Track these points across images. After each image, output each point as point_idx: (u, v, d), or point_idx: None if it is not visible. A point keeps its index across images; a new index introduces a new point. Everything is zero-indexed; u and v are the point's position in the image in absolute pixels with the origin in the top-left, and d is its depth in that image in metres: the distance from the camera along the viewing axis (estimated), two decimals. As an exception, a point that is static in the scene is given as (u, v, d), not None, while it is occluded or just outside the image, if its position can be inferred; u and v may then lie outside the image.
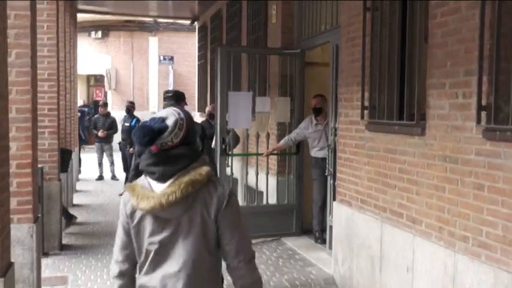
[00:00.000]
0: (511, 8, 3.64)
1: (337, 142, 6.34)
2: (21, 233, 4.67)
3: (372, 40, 5.32)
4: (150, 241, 2.48)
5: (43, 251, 7.13)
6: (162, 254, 2.48)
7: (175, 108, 2.60)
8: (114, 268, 2.62)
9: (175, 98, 5.76)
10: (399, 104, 4.94)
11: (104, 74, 23.33)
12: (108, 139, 13.75)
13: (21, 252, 4.67)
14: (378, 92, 5.20)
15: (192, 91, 17.19)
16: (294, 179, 8.03)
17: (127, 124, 12.17)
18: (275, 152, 8.01)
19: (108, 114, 14.07)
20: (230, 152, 7.81)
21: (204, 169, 2.47)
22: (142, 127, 2.47)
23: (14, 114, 4.66)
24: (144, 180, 2.51)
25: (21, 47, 4.67)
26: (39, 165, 7.18)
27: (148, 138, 2.43)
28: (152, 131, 2.44)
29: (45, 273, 6.46)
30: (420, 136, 4.52)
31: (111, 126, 13.70)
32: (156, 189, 2.43)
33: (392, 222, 4.90)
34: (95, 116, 14.97)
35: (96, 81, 25.40)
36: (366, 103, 5.36)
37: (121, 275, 2.60)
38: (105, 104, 14.80)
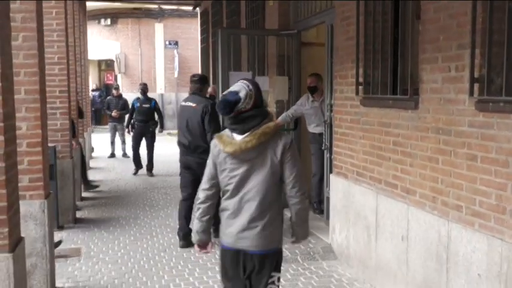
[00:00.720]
0: (503, -18, 3.41)
1: (333, 118, 6.13)
2: (33, 208, 4.51)
3: (365, 19, 5.09)
4: (231, 175, 3.13)
5: (58, 225, 7.01)
6: (240, 185, 3.12)
7: (245, 81, 3.17)
8: (201, 194, 3.26)
9: (200, 81, 6.34)
10: (393, 80, 4.74)
11: (114, 59, 23.11)
12: (120, 119, 13.55)
13: (33, 227, 4.52)
14: (372, 68, 4.99)
15: (197, 72, 16.94)
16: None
17: (146, 105, 11.35)
18: None
19: (120, 96, 13.92)
20: None
21: (271, 124, 3.15)
22: (223, 101, 3.07)
23: (22, 95, 4.47)
24: (227, 132, 3.16)
25: (28, 30, 4.45)
26: (52, 145, 7.04)
27: (228, 109, 3.05)
28: (230, 103, 3.05)
29: (60, 245, 6.34)
30: (413, 110, 4.33)
31: (124, 107, 13.49)
32: (236, 139, 3.09)
33: (387, 193, 4.73)
34: (108, 97, 14.77)
35: (106, 65, 25.15)
36: (361, 79, 5.16)
37: (206, 199, 3.25)
38: (118, 87, 14.62)
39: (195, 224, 3.31)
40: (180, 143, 6.41)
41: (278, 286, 3.26)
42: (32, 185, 4.51)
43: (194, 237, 3.34)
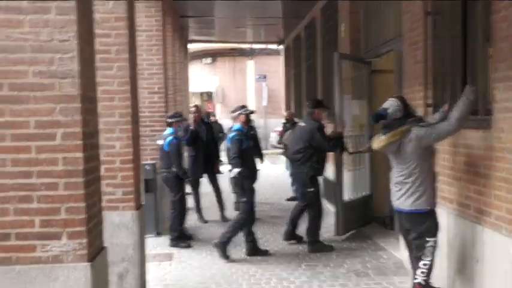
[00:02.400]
0: None
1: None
2: (126, 218, 4.26)
3: (433, 42, 4.44)
4: (391, 163, 3.85)
5: (157, 232, 6.81)
6: (393, 168, 3.82)
7: (394, 98, 3.82)
8: None
9: (313, 104, 6.21)
10: (463, 100, 4.03)
11: (213, 91, 23.38)
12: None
13: (125, 235, 4.25)
14: (441, 90, 4.32)
15: (282, 101, 16.69)
16: (368, 172, 7.14)
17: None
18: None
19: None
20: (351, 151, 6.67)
21: (404, 128, 3.66)
22: (375, 114, 3.81)
23: (117, 118, 4.26)
24: (379, 133, 3.80)
25: (121, 61, 4.24)
26: (152, 162, 6.89)
27: (376, 119, 3.79)
28: (378, 116, 3.76)
29: (156, 250, 6.12)
30: (486, 129, 3.61)
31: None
32: (381, 138, 3.74)
33: (458, 213, 3.99)
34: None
35: (208, 97, 25.54)
36: (429, 101, 4.48)
37: None
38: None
39: None
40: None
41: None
42: (125, 198, 4.27)
43: None
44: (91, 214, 2.76)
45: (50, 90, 2.62)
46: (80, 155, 2.63)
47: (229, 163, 5.72)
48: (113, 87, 4.22)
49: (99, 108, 4.13)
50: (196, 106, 7.96)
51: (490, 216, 3.52)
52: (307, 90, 10.78)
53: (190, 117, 7.62)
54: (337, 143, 6.07)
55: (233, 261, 5.59)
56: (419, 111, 4.72)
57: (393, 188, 3.83)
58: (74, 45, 2.65)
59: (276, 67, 21.63)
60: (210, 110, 23.93)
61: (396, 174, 3.78)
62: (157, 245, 6.32)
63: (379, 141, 3.76)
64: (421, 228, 3.68)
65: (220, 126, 13.40)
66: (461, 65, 4.07)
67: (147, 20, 7.15)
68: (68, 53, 2.64)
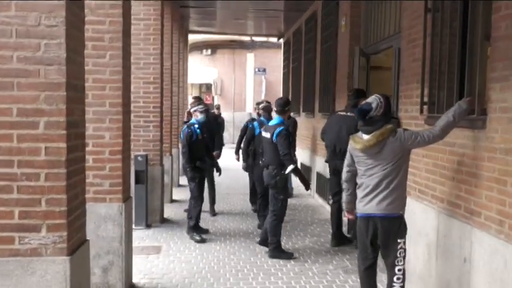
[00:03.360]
0: None
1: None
2: (112, 210, 4.23)
3: (432, 40, 4.39)
4: (362, 164, 3.64)
5: (146, 223, 6.79)
6: (368, 170, 3.60)
7: (378, 95, 3.63)
8: (343, 175, 3.89)
9: (355, 95, 5.82)
10: (459, 99, 4.00)
11: (212, 83, 23.32)
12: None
13: (111, 227, 4.23)
14: (437, 89, 4.28)
15: (280, 95, 16.65)
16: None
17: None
18: None
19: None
20: None
21: (388, 127, 3.53)
22: (360, 109, 3.56)
23: (107, 107, 4.22)
24: (359, 134, 3.64)
25: (114, 49, 4.20)
26: (145, 153, 6.85)
27: (362, 114, 3.53)
28: (363, 111, 3.53)
29: (144, 243, 6.10)
30: (480, 129, 3.58)
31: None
32: (364, 138, 3.55)
33: (449, 212, 3.98)
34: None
35: (206, 88, 25.45)
36: (425, 99, 4.45)
37: (347, 179, 3.86)
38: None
39: (344, 197, 3.95)
40: (328, 148, 6.04)
41: None
42: (112, 189, 4.24)
43: (344, 206, 3.98)
44: (73, 206, 2.73)
45: (35, 77, 2.58)
46: (63, 145, 2.60)
47: (283, 159, 5.37)
48: (104, 76, 4.18)
49: (89, 97, 4.15)
50: (196, 98, 8.08)
51: (480, 216, 3.50)
52: (305, 85, 10.73)
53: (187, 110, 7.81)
54: None
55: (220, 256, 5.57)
56: (415, 109, 4.70)
57: (362, 192, 3.64)
58: (61, 31, 2.61)
59: (276, 61, 21.53)
60: (208, 102, 23.96)
61: (369, 177, 3.59)
62: (146, 237, 6.30)
63: (365, 141, 3.54)
64: (392, 232, 3.59)
65: (222, 120, 13.29)
66: (459, 64, 4.03)
67: (145, 9, 7.08)
68: (55, 39, 2.60)
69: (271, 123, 5.72)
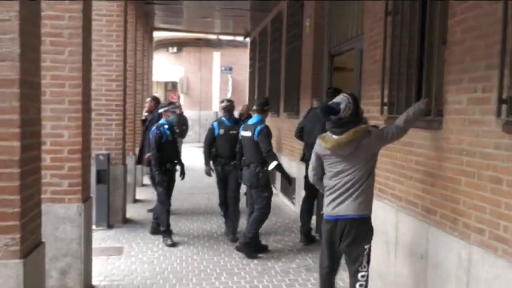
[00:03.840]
0: (536, 0, 2.78)
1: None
2: (71, 211, 4.14)
3: (392, 42, 4.49)
4: (332, 166, 3.48)
5: (108, 224, 6.67)
6: (338, 172, 3.45)
7: (346, 95, 3.45)
8: (310, 178, 3.74)
9: (334, 92, 5.54)
10: (417, 100, 4.11)
11: (178, 81, 23.12)
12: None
13: (70, 228, 4.14)
14: (397, 90, 4.38)
15: (247, 94, 16.70)
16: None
17: (233, 132, 6.31)
18: None
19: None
20: None
21: (362, 126, 3.40)
22: (327, 107, 3.39)
23: (66, 105, 4.13)
24: (328, 134, 3.46)
25: (74, 45, 4.11)
26: (107, 152, 6.73)
27: (329, 114, 3.34)
28: (332, 110, 3.35)
29: (106, 244, 5.99)
30: (437, 130, 3.69)
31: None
32: (335, 137, 3.39)
33: (407, 211, 4.08)
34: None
35: (172, 86, 25.21)
36: (385, 100, 4.55)
37: (315, 183, 3.71)
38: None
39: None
40: (307, 146, 5.98)
41: None
42: (71, 189, 4.15)
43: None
44: (27, 207, 2.65)
45: (-14, 74, 2.49)
46: (16, 143, 2.52)
47: (266, 156, 5.43)
48: (63, 73, 4.09)
49: (47, 95, 4.05)
50: (151, 97, 7.98)
51: (436, 214, 3.61)
52: (271, 85, 10.79)
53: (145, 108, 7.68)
54: None
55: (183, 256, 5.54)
56: (376, 110, 4.80)
57: (332, 195, 3.48)
58: (15, 26, 2.53)
59: (243, 60, 21.53)
60: (174, 100, 23.72)
61: (340, 180, 3.44)
62: (107, 238, 6.20)
63: (338, 139, 3.36)
64: (360, 236, 3.45)
65: (185, 119, 13.22)
66: (417, 66, 4.14)
67: (108, 4, 6.94)
68: (7, 33, 2.52)
69: (251, 122, 5.74)
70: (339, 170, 3.44)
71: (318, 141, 3.55)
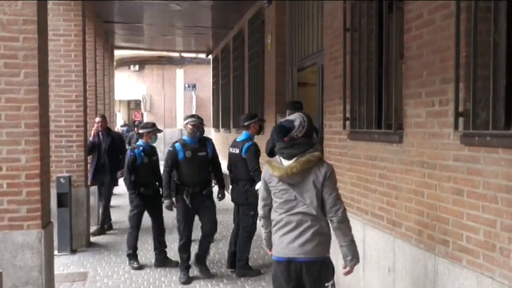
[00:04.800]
0: (486, 16, 2.88)
1: (324, 151, 5.56)
2: (31, 238, 3.95)
3: (351, 58, 4.58)
4: (280, 196, 3.02)
5: (71, 248, 6.45)
6: (287, 204, 3.00)
7: (301, 114, 3.08)
8: (260, 211, 3.21)
9: (295, 107, 5.49)
10: (378, 115, 4.19)
11: (141, 99, 22.87)
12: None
13: (30, 256, 3.94)
14: (358, 104, 4.45)
15: (211, 111, 16.64)
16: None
17: (202, 153, 5.56)
18: None
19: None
20: None
21: (316, 153, 2.99)
22: (280, 126, 2.99)
23: (23, 128, 3.96)
24: (277, 158, 3.06)
25: (29, 67, 3.96)
26: (68, 174, 6.53)
27: (283, 133, 2.95)
28: (285, 129, 2.96)
29: (69, 269, 5.77)
30: (398, 143, 3.76)
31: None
32: (284, 164, 2.98)
33: (373, 224, 4.12)
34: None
35: (135, 105, 24.90)
36: (348, 115, 4.61)
37: (265, 215, 3.18)
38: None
39: (263, 234, 3.28)
40: None
41: None
42: (30, 215, 3.96)
43: (265, 244, 3.30)
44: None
45: None
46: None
47: (253, 174, 5.34)
48: (19, 95, 3.94)
49: (2, 118, 3.89)
50: (101, 116, 7.91)
51: (401, 227, 3.65)
52: (235, 101, 10.79)
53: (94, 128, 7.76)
54: None
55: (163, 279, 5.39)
56: (339, 124, 4.86)
57: (281, 230, 3.00)
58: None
59: (207, 77, 21.55)
60: (137, 119, 23.41)
61: (289, 212, 2.98)
62: (71, 263, 5.98)
63: (287, 168, 2.92)
64: (320, 278, 2.99)
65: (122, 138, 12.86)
66: (377, 81, 4.22)
67: (66, 24, 6.79)
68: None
69: (239, 139, 5.65)
70: (287, 200, 2.99)
71: (265, 166, 3.10)
